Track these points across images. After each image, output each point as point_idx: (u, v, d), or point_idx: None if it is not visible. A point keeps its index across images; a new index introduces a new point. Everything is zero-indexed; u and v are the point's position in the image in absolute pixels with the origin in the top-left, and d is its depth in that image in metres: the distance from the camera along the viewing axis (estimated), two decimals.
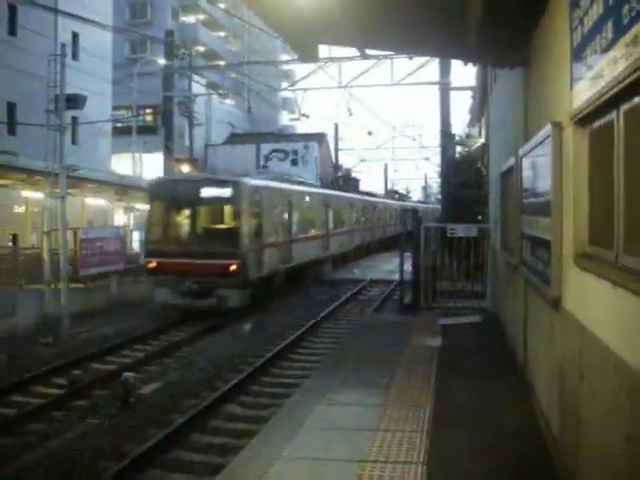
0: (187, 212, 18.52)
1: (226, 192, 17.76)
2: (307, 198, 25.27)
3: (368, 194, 43.82)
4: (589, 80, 4.14)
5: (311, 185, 30.03)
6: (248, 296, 17.49)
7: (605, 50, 3.69)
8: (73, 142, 28.75)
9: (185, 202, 18.34)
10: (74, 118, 27.27)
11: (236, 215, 17.83)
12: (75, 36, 29.72)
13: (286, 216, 21.56)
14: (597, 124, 4.35)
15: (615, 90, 3.55)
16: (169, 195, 18.40)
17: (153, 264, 17.70)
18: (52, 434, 8.66)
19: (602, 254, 4.20)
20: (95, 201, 26.53)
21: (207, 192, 17.98)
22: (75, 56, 29.46)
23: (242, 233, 17.33)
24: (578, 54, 4.49)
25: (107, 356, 13.45)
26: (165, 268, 17.41)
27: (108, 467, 7.36)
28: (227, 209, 18.71)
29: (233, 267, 16.89)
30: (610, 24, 3.57)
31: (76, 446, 8.15)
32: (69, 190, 18.11)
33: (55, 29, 27.56)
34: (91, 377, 11.55)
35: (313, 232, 25.23)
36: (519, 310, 8.52)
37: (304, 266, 23.43)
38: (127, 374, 10.28)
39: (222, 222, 19.01)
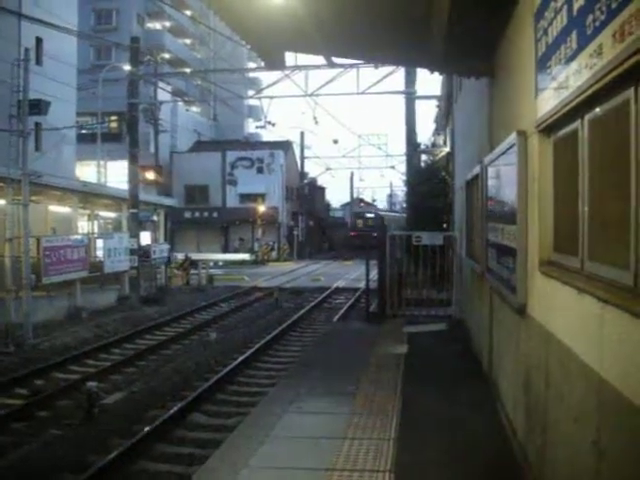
0: (364, 221, 60.45)
1: (374, 215, 56.12)
2: (391, 218, 52.72)
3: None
4: (553, 89, 4.19)
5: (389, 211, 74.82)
6: None
7: (569, 60, 3.73)
8: (37, 149, 28.22)
9: (362, 217, 62.06)
10: (37, 124, 26.79)
11: (378, 223, 48.49)
12: (39, 41, 29.16)
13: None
14: (562, 133, 4.40)
15: (579, 99, 3.59)
16: (359, 212, 65.06)
17: (355, 233, 58.96)
18: (12, 446, 8.46)
19: (567, 261, 4.24)
20: (59, 208, 26.12)
21: (369, 215, 61.23)
22: (39, 61, 29.01)
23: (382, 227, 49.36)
24: (543, 64, 4.55)
25: (70, 365, 13.24)
26: (356, 234, 57.27)
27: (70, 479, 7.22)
28: (375, 221, 49.02)
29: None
30: (574, 35, 3.62)
31: (37, 458, 7.99)
32: (32, 197, 17.83)
33: (19, 34, 27.12)
34: (54, 387, 11.35)
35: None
36: (485, 317, 8.58)
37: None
38: (90, 384, 10.13)
39: (372, 225, 48.06)
